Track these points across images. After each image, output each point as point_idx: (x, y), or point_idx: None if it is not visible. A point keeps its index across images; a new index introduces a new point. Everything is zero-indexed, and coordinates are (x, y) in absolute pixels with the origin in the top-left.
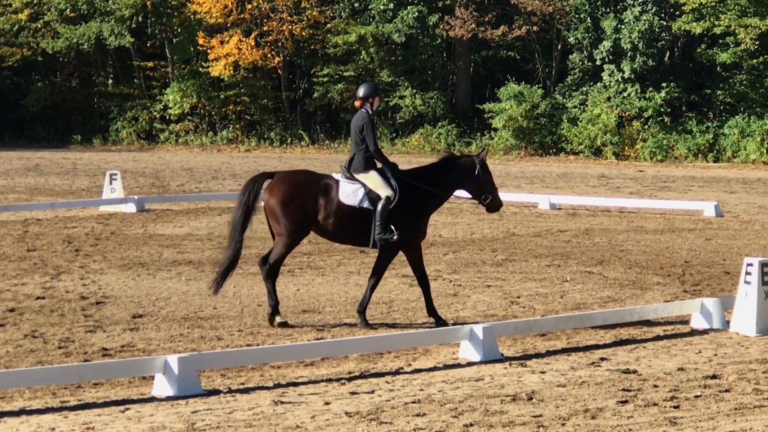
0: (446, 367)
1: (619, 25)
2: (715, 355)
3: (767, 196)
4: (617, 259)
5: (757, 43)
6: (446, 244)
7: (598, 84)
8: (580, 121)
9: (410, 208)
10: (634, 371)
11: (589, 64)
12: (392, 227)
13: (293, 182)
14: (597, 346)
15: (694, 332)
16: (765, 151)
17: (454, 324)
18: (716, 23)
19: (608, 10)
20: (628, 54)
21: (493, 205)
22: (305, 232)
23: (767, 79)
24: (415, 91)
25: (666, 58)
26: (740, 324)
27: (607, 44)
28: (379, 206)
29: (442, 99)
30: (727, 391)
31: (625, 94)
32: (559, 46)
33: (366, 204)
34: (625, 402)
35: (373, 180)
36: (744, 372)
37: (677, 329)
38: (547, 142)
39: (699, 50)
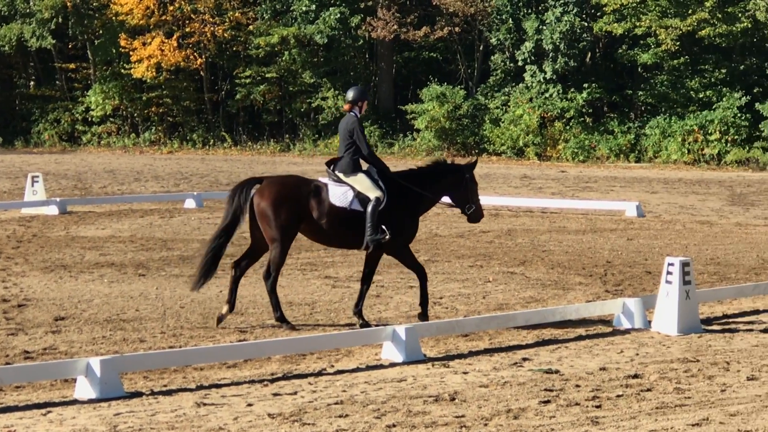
0: (369, 368)
1: (540, 26)
2: (637, 354)
3: (688, 196)
4: (539, 260)
5: (678, 43)
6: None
7: (520, 85)
8: (503, 122)
9: (400, 209)
10: (557, 371)
11: (511, 64)
12: (383, 227)
13: (284, 185)
14: (519, 347)
15: (615, 332)
16: (686, 152)
17: (377, 325)
18: (637, 24)
19: (530, 11)
20: (550, 55)
21: (475, 215)
22: (295, 234)
23: (688, 80)
24: (337, 92)
25: (587, 59)
26: (661, 323)
27: (528, 45)
28: (370, 208)
29: None
30: (648, 390)
31: (547, 95)
32: (481, 47)
33: (356, 206)
34: (548, 402)
35: (361, 182)
36: (665, 371)
37: (599, 329)
38: (469, 143)
39: (620, 51)
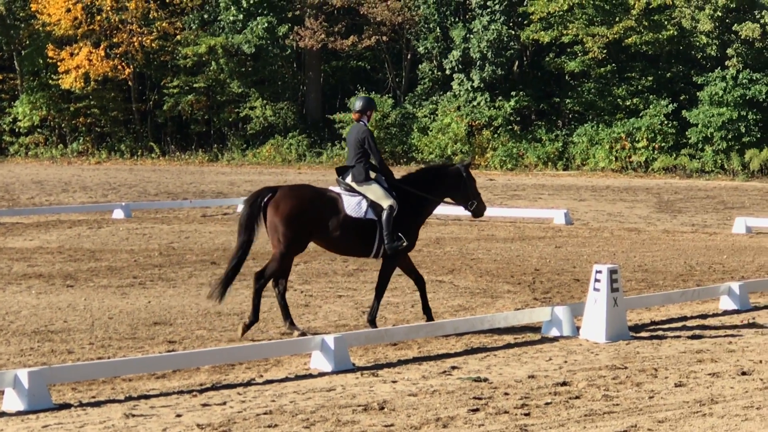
0: (298, 377)
1: (468, 35)
2: (565, 362)
3: (616, 203)
4: (468, 268)
5: (605, 51)
6: (299, 255)
7: (448, 93)
8: (431, 131)
9: (409, 215)
10: (485, 379)
11: (439, 73)
12: (400, 235)
13: (299, 199)
14: (448, 355)
15: (544, 340)
16: (613, 159)
17: (306, 334)
18: (564, 32)
19: (457, 19)
20: (478, 63)
21: (478, 210)
22: (303, 249)
23: (615, 88)
24: (265, 101)
25: (515, 67)
26: (590, 331)
27: (456, 54)
28: (385, 216)
29: (292, 109)
30: (577, 397)
31: (475, 103)
32: (409, 56)
33: (370, 215)
34: (477, 410)
35: (374, 191)
36: (594, 378)
37: (528, 337)
38: (397, 152)
39: (547, 59)
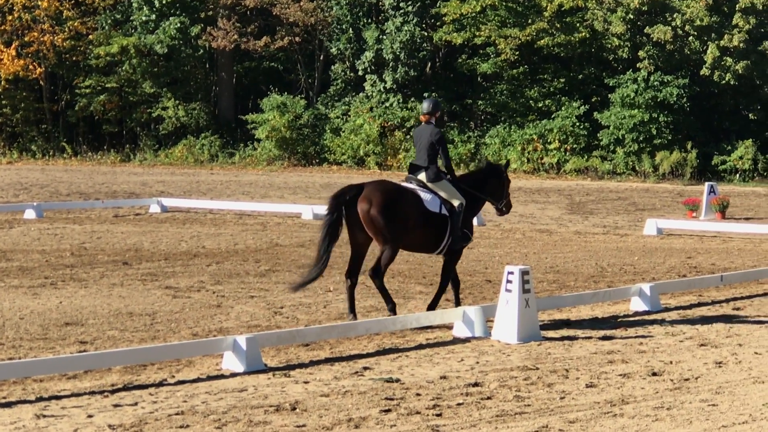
0: (210, 378)
1: (380, 36)
2: (477, 362)
3: (528, 204)
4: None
5: (517, 53)
6: (210, 255)
7: (361, 94)
8: (343, 132)
9: (468, 213)
10: (397, 380)
11: (352, 74)
12: (466, 231)
13: (388, 191)
14: (360, 356)
15: (456, 340)
16: (525, 161)
17: (218, 335)
18: (477, 34)
19: (370, 21)
20: (390, 64)
21: (507, 208)
22: (405, 235)
23: (527, 89)
24: (178, 102)
25: (428, 69)
26: (501, 332)
27: (369, 55)
28: (459, 213)
29: (205, 110)
30: (488, 398)
31: (388, 104)
32: (322, 57)
33: (444, 211)
34: (388, 411)
35: (447, 189)
36: (505, 379)
37: (440, 338)
38: (310, 153)
39: (460, 60)
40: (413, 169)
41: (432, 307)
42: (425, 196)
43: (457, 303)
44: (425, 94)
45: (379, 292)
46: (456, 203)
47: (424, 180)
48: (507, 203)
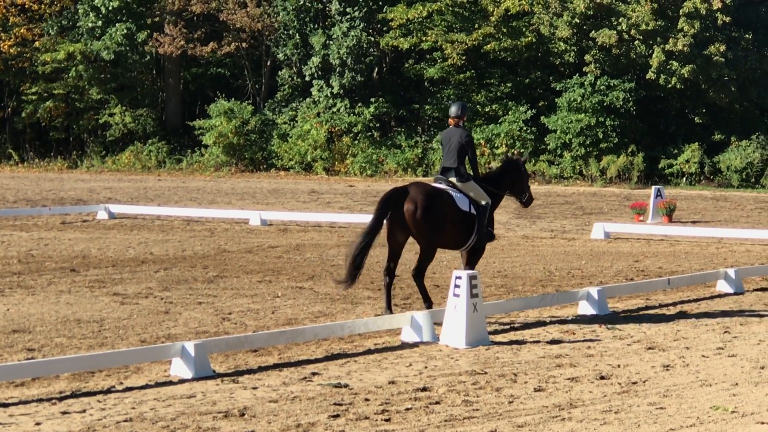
0: (158, 384)
1: (327, 41)
2: (426, 367)
3: None
4: (328, 274)
5: (464, 58)
6: (157, 261)
7: (308, 100)
8: (291, 137)
9: (492, 211)
10: (346, 385)
11: (299, 80)
12: (489, 229)
13: (429, 193)
14: (309, 361)
15: (404, 345)
16: None
17: (166, 341)
18: (424, 39)
19: (317, 26)
20: (337, 70)
21: (529, 201)
22: (443, 236)
23: (474, 94)
24: (125, 108)
25: (374, 74)
26: (450, 337)
27: (316, 60)
28: (484, 212)
29: (152, 116)
30: (437, 403)
31: (335, 110)
32: (269, 63)
33: (473, 210)
34: (337, 416)
35: (474, 189)
36: (454, 384)
37: (388, 343)
38: (257, 159)
39: (407, 65)
40: (443, 170)
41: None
42: (457, 196)
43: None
44: (372, 99)
45: (419, 292)
46: (483, 203)
47: (454, 181)
48: (529, 196)
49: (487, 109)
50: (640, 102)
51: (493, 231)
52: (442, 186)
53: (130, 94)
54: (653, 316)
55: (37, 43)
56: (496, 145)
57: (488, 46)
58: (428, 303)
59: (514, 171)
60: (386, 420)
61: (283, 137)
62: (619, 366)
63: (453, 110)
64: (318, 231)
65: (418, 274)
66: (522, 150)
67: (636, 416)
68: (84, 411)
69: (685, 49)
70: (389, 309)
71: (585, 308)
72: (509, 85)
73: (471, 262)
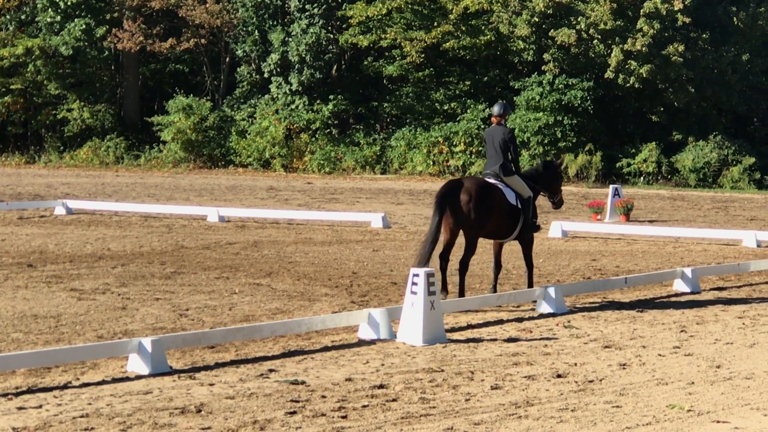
0: (115, 380)
1: (286, 38)
2: (383, 365)
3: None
4: (286, 271)
5: (423, 56)
6: (115, 257)
7: (266, 96)
8: (249, 134)
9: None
10: (303, 382)
11: (258, 76)
12: (534, 221)
13: (483, 186)
14: (266, 358)
15: (361, 342)
16: (431, 163)
17: (123, 337)
18: (383, 36)
19: (276, 23)
20: (296, 67)
21: (559, 202)
22: (489, 224)
23: (433, 92)
24: (83, 103)
25: (333, 71)
26: (407, 334)
27: (275, 57)
28: (529, 205)
29: (110, 112)
30: (394, 400)
31: (293, 107)
32: (228, 59)
33: (518, 203)
34: (294, 413)
35: (519, 183)
36: (411, 381)
37: (345, 340)
38: (215, 155)
39: (366, 63)
40: (488, 165)
41: (530, 286)
42: (506, 190)
43: (495, 289)
44: (331, 96)
45: (459, 283)
46: (526, 195)
47: (501, 175)
48: (560, 198)
49: (445, 107)
50: (598, 101)
51: (537, 222)
52: (492, 180)
53: (89, 90)
54: (610, 314)
55: None
56: (454, 143)
57: (447, 44)
58: (461, 293)
59: (552, 172)
60: (343, 417)
61: (242, 134)
62: (575, 364)
63: (496, 110)
64: (276, 228)
65: (464, 267)
66: (561, 155)
67: (592, 414)
68: (40, 406)
69: (644, 49)
70: (445, 290)
71: (542, 307)
72: (468, 83)
73: (527, 254)
